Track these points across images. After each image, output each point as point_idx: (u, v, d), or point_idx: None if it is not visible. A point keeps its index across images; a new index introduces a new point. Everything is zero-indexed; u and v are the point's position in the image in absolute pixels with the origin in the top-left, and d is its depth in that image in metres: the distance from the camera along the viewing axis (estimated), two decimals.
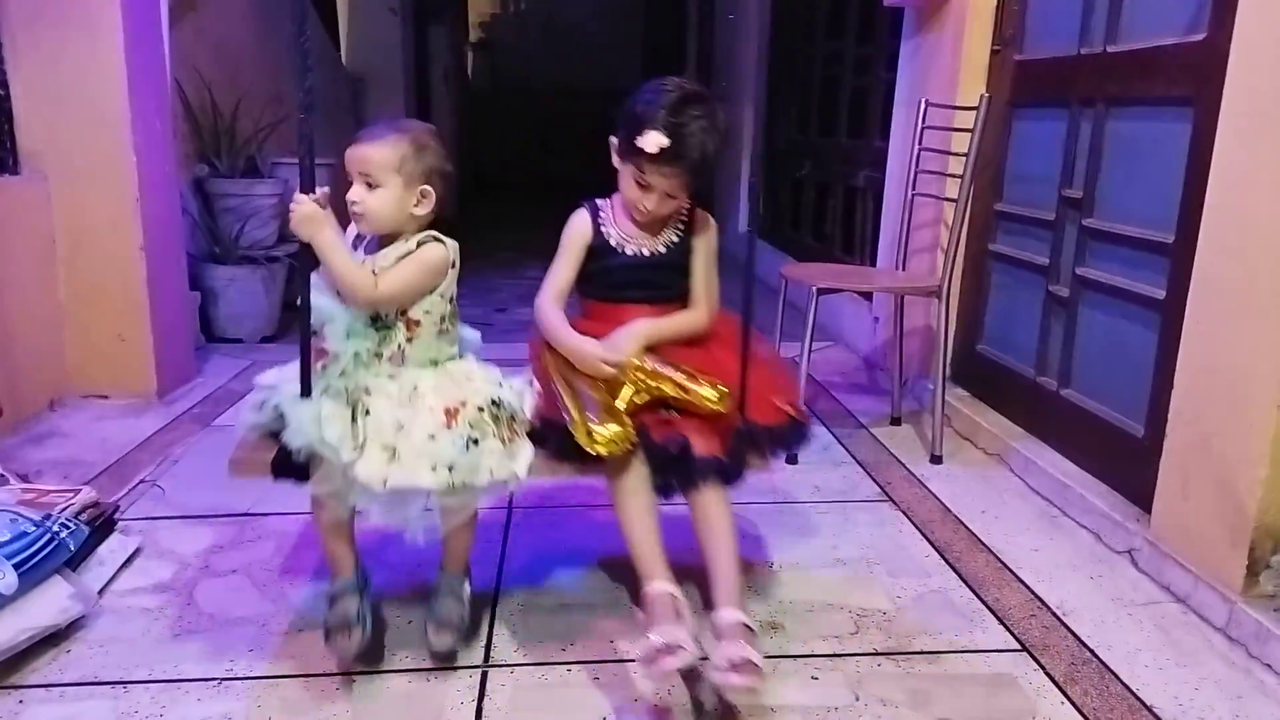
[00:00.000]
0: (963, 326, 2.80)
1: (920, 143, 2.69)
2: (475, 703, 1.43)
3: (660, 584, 1.46)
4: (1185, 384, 1.78)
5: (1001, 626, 1.67)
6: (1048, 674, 1.53)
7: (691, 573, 1.59)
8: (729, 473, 1.52)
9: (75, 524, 1.69)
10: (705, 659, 1.40)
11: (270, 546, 1.92)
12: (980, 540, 2.01)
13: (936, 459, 2.45)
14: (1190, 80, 1.88)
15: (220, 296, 3.48)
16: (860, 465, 2.44)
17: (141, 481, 2.24)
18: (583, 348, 1.55)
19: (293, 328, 3.79)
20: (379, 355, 1.45)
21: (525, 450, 1.49)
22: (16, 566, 1.50)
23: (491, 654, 1.56)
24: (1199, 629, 1.66)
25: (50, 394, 2.71)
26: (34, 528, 1.60)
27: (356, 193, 1.43)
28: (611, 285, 1.64)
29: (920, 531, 2.05)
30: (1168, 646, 1.61)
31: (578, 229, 1.65)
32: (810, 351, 2.42)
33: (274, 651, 1.56)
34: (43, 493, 1.80)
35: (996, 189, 2.64)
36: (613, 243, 1.63)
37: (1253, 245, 1.61)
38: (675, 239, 1.64)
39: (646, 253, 1.63)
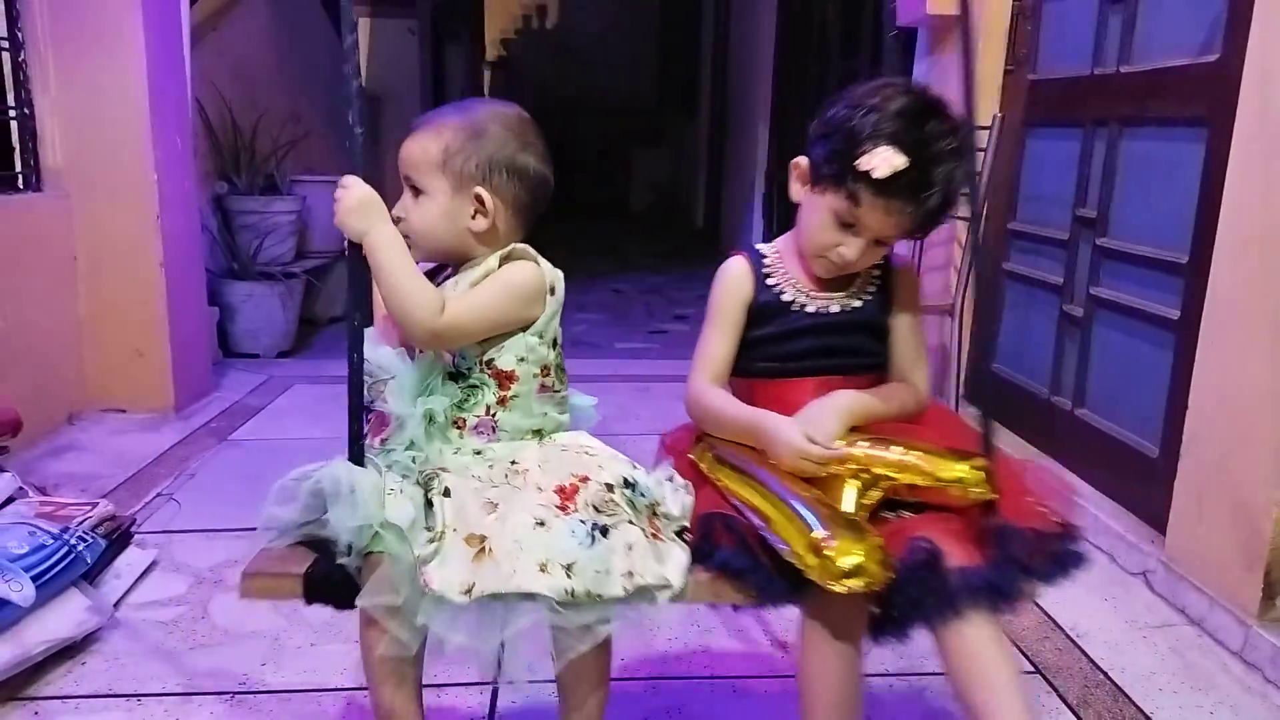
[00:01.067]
0: (975, 345, 2.79)
1: None
2: (486, 718, 1.43)
3: None
4: (1200, 404, 1.77)
5: (1015, 649, 1.66)
6: (1061, 696, 1.52)
7: None
8: (1002, 591, 1.03)
9: (92, 537, 1.71)
10: None
11: None
12: None
13: None
14: (1204, 101, 1.88)
15: (238, 312, 3.52)
16: None
17: (158, 495, 2.26)
18: (780, 430, 1.11)
19: (309, 343, 3.83)
20: (461, 424, 1.08)
21: (677, 553, 1.04)
22: (35, 579, 1.51)
23: (502, 669, 1.56)
24: (1214, 652, 1.65)
25: (69, 407, 2.74)
26: (52, 540, 1.62)
27: (401, 205, 1.10)
28: (785, 355, 1.22)
29: None
30: (1182, 670, 1.60)
31: (734, 285, 1.23)
32: None
33: (287, 666, 1.57)
34: (61, 505, 1.82)
35: (1010, 208, 2.64)
36: (786, 298, 1.22)
37: (1267, 266, 1.60)
38: (870, 293, 1.23)
39: (835, 309, 1.21)
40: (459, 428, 1.09)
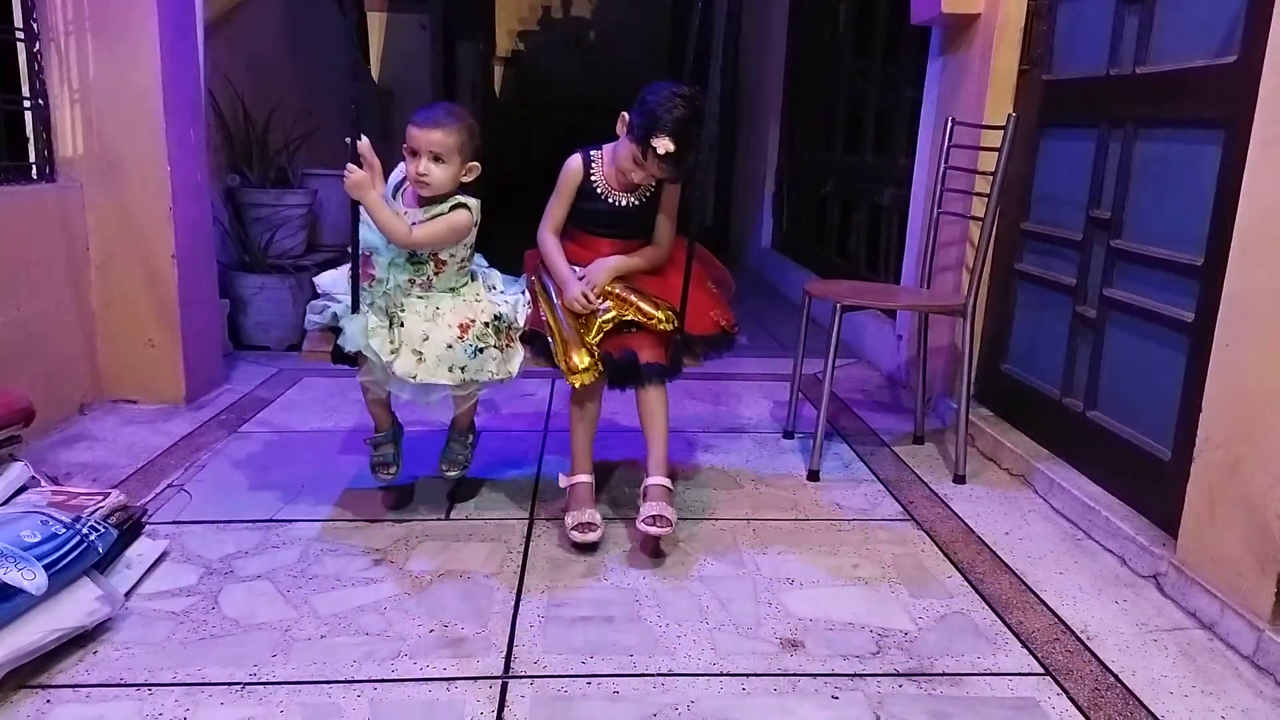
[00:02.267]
0: (987, 345, 2.78)
1: (946, 161, 2.69)
2: (495, 713, 1.44)
3: (583, 476, 2.06)
4: (1213, 407, 1.77)
5: (1025, 650, 1.66)
6: (1071, 699, 1.51)
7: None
8: (668, 373, 2.00)
9: (104, 527, 1.71)
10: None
11: (294, 553, 1.94)
12: (1003, 562, 2.00)
13: (960, 479, 2.44)
14: (1221, 103, 1.87)
15: (249, 304, 3.52)
16: (882, 483, 2.43)
17: (169, 486, 2.26)
18: (570, 284, 2.01)
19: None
20: (413, 281, 1.94)
21: (518, 355, 2.00)
22: (47, 568, 1.52)
23: (512, 665, 1.57)
24: (1226, 657, 1.64)
25: (81, 398, 2.75)
26: (64, 530, 1.62)
27: (424, 166, 1.87)
28: (594, 224, 2.10)
29: (943, 552, 2.04)
30: (1193, 674, 1.59)
31: (572, 172, 2.07)
32: (833, 368, 2.42)
33: (297, 657, 1.57)
34: (73, 495, 1.82)
35: (1023, 208, 2.63)
36: (599, 191, 2.07)
37: None
38: (647, 195, 2.08)
39: (623, 204, 2.08)
40: (411, 283, 1.95)
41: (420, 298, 1.93)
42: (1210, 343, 1.77)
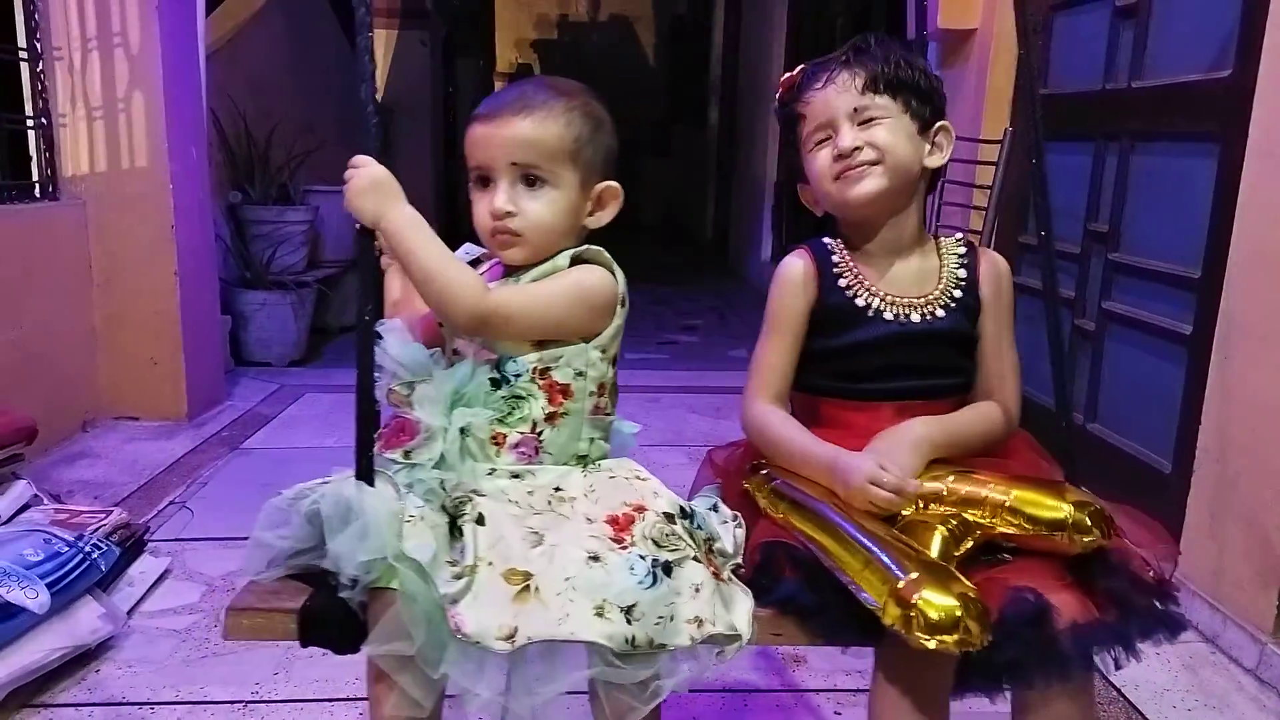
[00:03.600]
0: None
1: (944, 175, 2.70)
2: None
3: None
4: (1213, 421, 1.77)
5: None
6: None
7: None
8: (1102, 644, 0.92)
9: (107, 545, 1.72)
10: None
11: None
12: None
13: None
14: (1216, 117, 1.88)
15: (250, 321, 3.54)
16: None
17: (171, 503, 2.27)
18: (854, 468, 0.97)
19: (320, 352, 3.85)
20: (500, 440, 0.95)
21: (741, 596, 0.93)
22: (50, 586, 1.52)
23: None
24: (1228, 670, 1.64)
25: (83, 415, 2.76)
26: (67, 548, 1.63)
27: (503, 198, 0.96)
28: (857, 374, 1.08)
29: None
30: (1196, 687, 1.59)
31: (792, 284, 1.09)
32: None
33: (299, 675, 1.57)
34: (75, 513, 1.83)
35: (1020, 221, 2.64)
36: (860, 302, 1.07)
37: (1277, 282, 1.60)
38: (956, 294, 1.09)
39: (917, 319, 1.07)
40: (497, 445, 0.94)
41: (517, 475, 0.95)
42: (1208, 355, 1.78)
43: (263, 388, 3.28)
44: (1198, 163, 1.94)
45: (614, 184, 1.00)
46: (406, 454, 0.93)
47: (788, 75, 1.11)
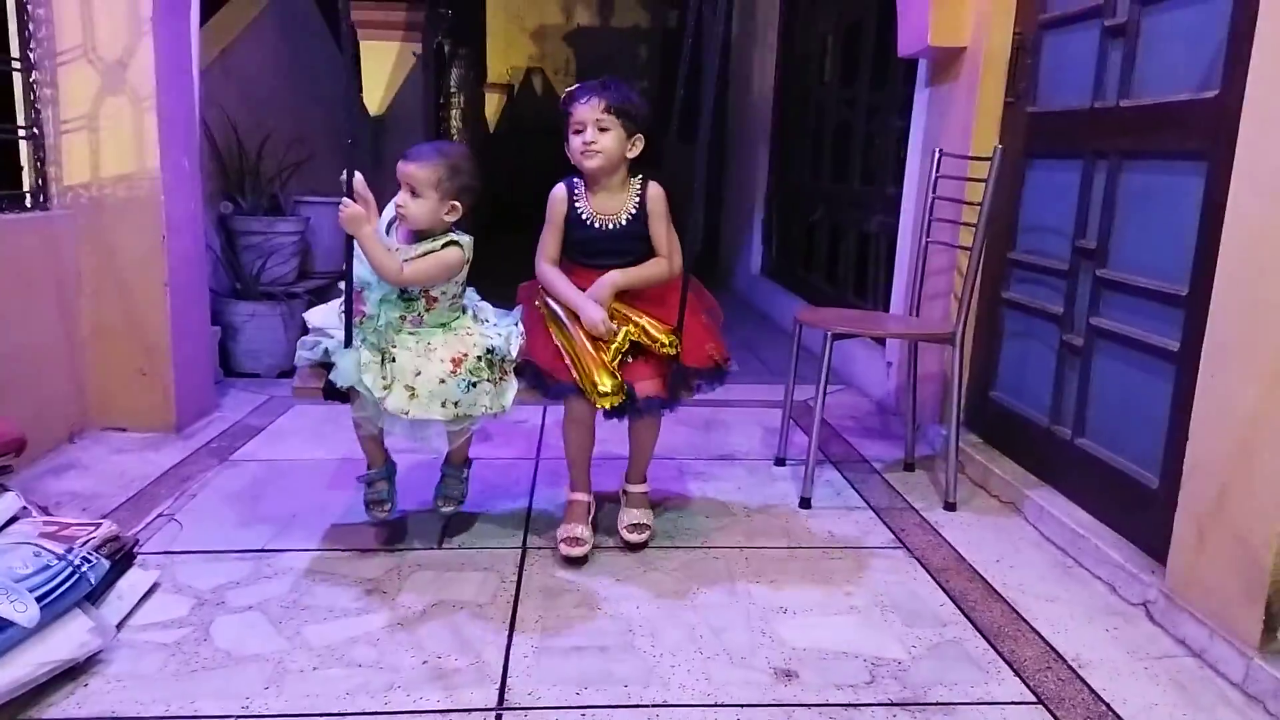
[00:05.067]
0: (976, 373, 2.81)
1: (934, 191, 2.73)
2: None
3: (580, 493, 2.15)
4: (1200, 436, 1.79)
5: (1017, 679, 1.66)
6: None
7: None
8: (665, 405, 2.05)
9: (96, 558, 1.71)
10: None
11: (286, 583, 1.93)
12: (995, 590, 2.01)
13: (950, 506, 2.45)
14: (1203, 136, 1.91)
15: (240, 332, 3.53)
16: (874, 511, 2.44)
17: (159, 515, 2.26)
18: (587, 308, 2.01)
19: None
20: (404, 318, 1.95)
21: (511, 387, 2.00)
22: (39, 599, 1.51)
23: (506, 697, 1.56)
24: (1215, 684, 1.65)
25: (70, 426, 2.74)
26: (57, 561, 1.62)
27: (402, 198, 1.92)
28: (588, 253, 2.09)
29: (935, 580, 2.05)
30: (1184, 702, 1.60)
31: (558, 200, 2.10)
32: (824, 395, 2.44)
33: (290, 689, 1.56)
34: (64, 525, 1.82)
35: (1010, 237, 2.66)
36: (585, 217, 2.08)
37: (1265, 301, 1.62)
38: (634, 211, 2.09)
39: (611, 226, 2.08)
40: (403, 319, 1.95)
41: (412, 334, 1.94)
42: (1196, 371, 1.80)
43: (252, 399, 3.26)
44: (1185, 181, 1.96)
45: (455, 203, 1.94)
46: (361, 322, 1.93)
47: (569, 90, 2.09)
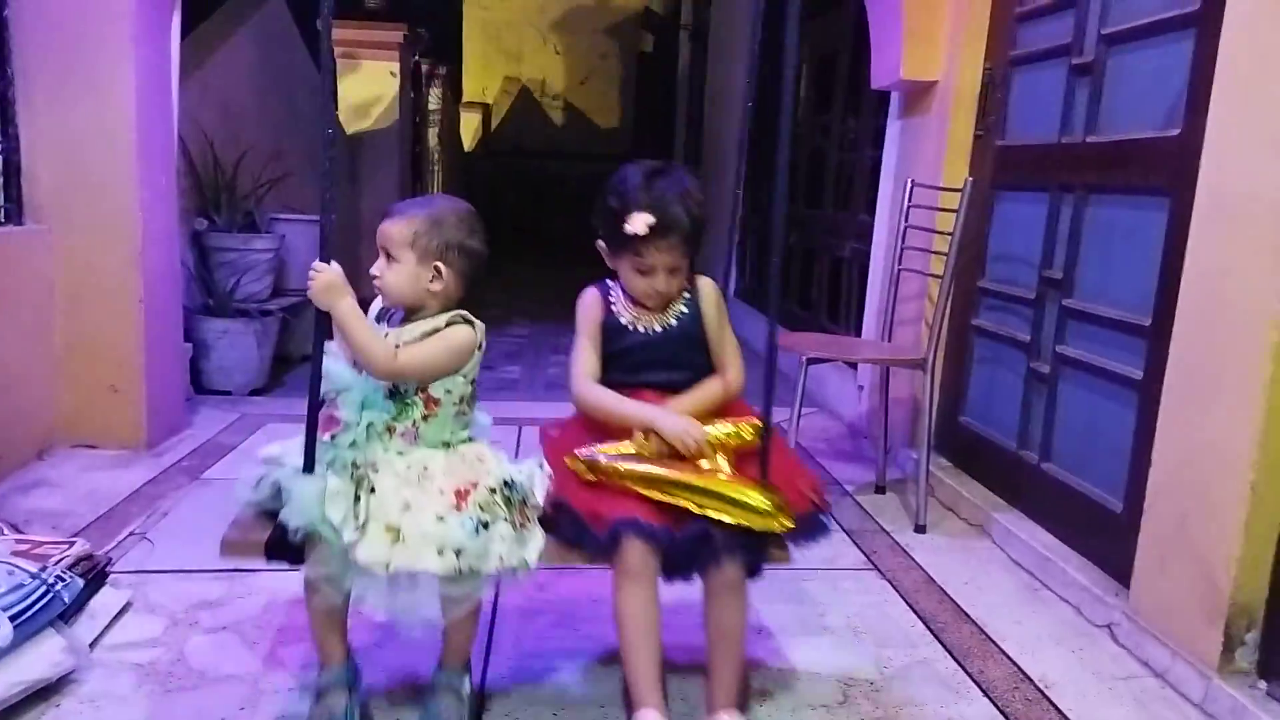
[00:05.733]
0: (946, 398, 2.86)
1: (906, 220, 2.79)
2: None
3: (652, 711, 1.41)
4: (1162, 463, 1.84)
5: (986, 699, 1.70)
6: None
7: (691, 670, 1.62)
8: (752, 553, 1.45)
9: (70, 576, 1.69)
10: None
11: (260, 603, 1.92)
12: (964, 611, 2.04)
13: (921, 528, 2.49)
14: (1166, 172, 1.97)
15: (212, 349, 3.50)
16: (845, 533, 2.47)
17: (131, 534, 2.24)
18: (665, 419, 1.49)
19: (282, 380, 3.82)
20: (392, 430, 1.42)
21: (537, 537, 1.43)
22: (13, 619, 1.50)
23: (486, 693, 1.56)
24: (1177, 704, 1.69)
25: (39, 443, 2.71)
26: (30, 579, 1.61)
27: (378, 266, 1.45)
28: (630, 369, 1.60)
29: (905, 601, 2.08)
30: None
31: (589, 305, 1.63)
32: (799, 418, 2.47)
33: (265, 709, 1.56)
34: (37, 544, 1.80)
35: (980, 266, 2.72)
36: (624, 322, 1.61)
37: (1225, 333, 1.68)
38: (683, 310, 1.62)
39: (659, 328, 1.60)
40: (390, 433, 1.43)
41: (401, 453, 1.41)
42: (1158, 400, 1.85)
43: (223, 417, 3.24)
44: (1149, 215, 2.03)
45: (439, 264, 1.43)
46: (333, 437, 1.41)
47: (637, 224, 1.51)
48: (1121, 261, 2.15)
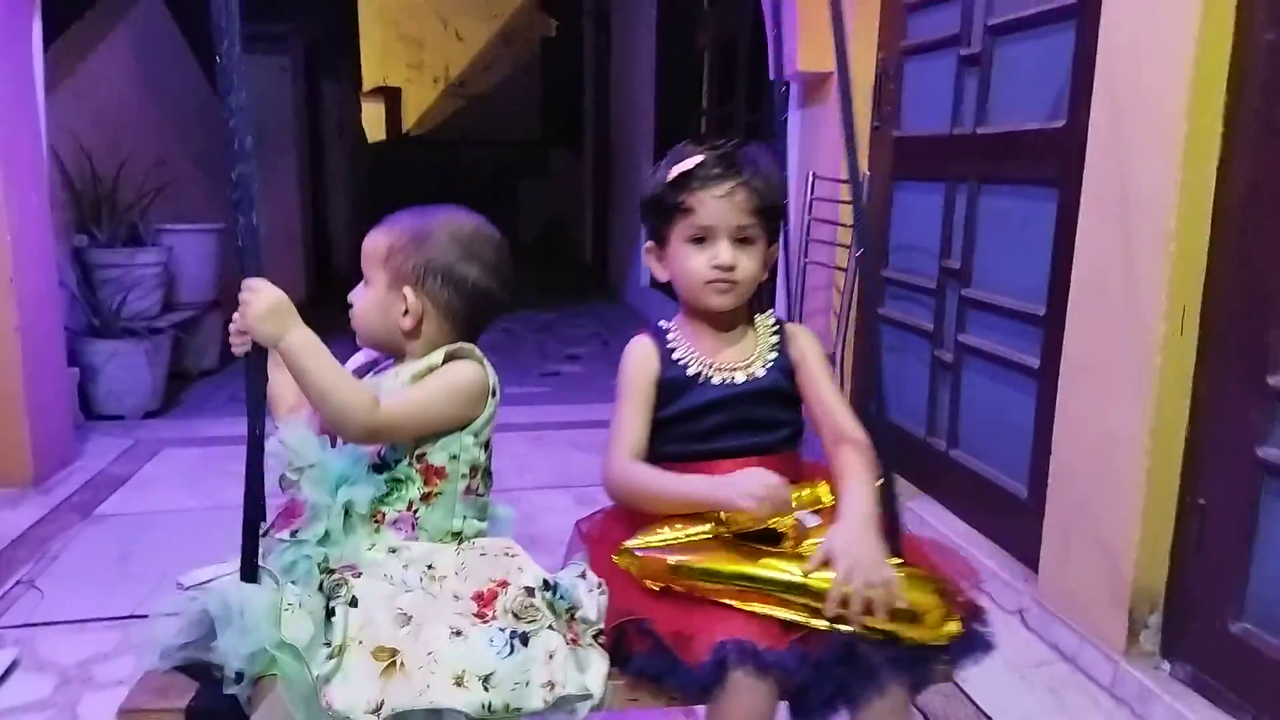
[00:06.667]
0: (856, 387, 2.89)
1: (810, 212, 2.80)
2: None
3: None
4: (1062, 449, 1.88)
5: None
6: None
7: None
8: (914, 669, 1.06)
9: None
10: None
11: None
12: None
13: None
14: (1054, 163, 2.01)
15: (100, 372, 3.33)
16: None
17: (18, 583, 2.11)
18: (735, 483, 1.08)
19: (179, 400, 3.66)
20: (381, 518, 1.03)
21: (596, 659, 1.01)
22: None
23: None
24: (1086, 689, 1.74)
25: None
26: None
27: (355, 290, 1.12)
28: (698, 434, 1.18)
29: None
30: (1059, 710, 1.68)
31: (639, 362, 1.21)
32: None
33: None
34: None
35: (883, 256, 2.75)
36: (691, 372, 1.20)
37: (1116, 324, 1.72)
38: (772, 360, 1.22)
39: (741, 379, 1.20)
40: (378, 521, 1.04)
41: (394, 550, 1.03)
42: (1056, 387, 1.89)
43: (116, 444, 3.08)
44: (1039, 206, 2.07)
45: (408, 289, 1.08)
46: (293, 533, 1.01)
47: (683, 164, 1.16)
48: (1016, 252, 2.19)
